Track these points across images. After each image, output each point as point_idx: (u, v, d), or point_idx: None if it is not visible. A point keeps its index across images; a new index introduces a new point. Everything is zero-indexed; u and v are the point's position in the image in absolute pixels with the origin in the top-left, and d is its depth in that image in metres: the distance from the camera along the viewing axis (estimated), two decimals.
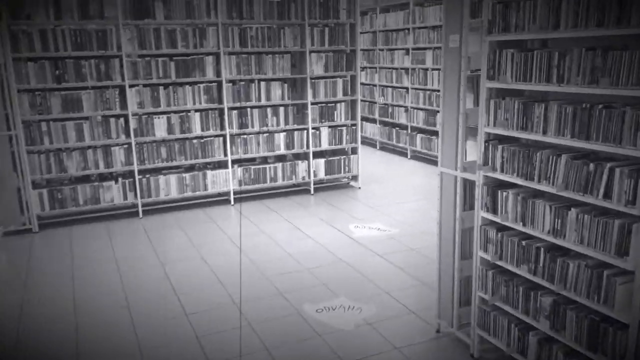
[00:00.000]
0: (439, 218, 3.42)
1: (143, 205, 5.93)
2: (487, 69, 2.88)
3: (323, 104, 6.56)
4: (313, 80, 6.43)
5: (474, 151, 3.19)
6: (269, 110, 6.29)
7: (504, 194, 2.86)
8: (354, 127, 6.80)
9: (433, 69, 7.88)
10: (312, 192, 6.69)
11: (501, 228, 2.93)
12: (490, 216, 2.97)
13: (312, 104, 6.50)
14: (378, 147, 9.55)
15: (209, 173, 6.14)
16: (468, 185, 3.25)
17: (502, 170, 2.88)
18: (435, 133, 8.08)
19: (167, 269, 4.49)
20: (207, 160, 6.11)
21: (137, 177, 5.78)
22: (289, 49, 6.25)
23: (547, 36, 2.53)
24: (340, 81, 6.59)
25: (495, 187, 2.93)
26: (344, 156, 6.83)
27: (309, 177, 6.64)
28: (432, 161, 8.23)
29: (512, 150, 2.79)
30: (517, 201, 2.79)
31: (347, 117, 6.73)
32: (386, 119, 9.19)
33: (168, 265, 4.55)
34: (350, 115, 6.75)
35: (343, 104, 6.67)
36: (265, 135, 6.33)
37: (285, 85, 6.31)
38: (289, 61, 6.28)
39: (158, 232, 5.42)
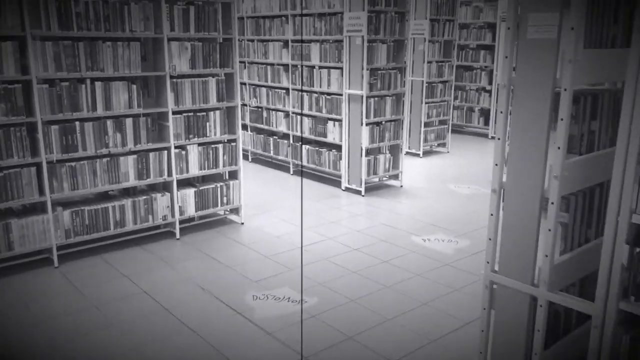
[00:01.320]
0: None
1: None
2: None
3: (190, 113, 4.70)
4: (175, 80, 4.55)
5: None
6: (109, 123, 4.29)
7: None
8: (233, 144, 5.04)
9: (321, 67, 6.39)
10: (177, 235, 4.81)
11: None
12: None
13: (175, 113, 4.61)
14: (250, 159, 7.86)
15: (14, 224, 3.96)
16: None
17: None
18: (326, 145, 6.63)
19: None
20: (10, 204, 3.93)
21: None
22: (138, 35, 4.30)
23: None
24: (212, 81, 4.78)
25: None
26: (221, 183, 5.04)
27: (173, 216, 4.76)
28: (323, 179, 6.77)
29: None
30: None
31: (224, 131, 4.95)
32: (260, 126, 7.52)
33: None
34: (228, 128, 4.98)
35: (218, 112, 4.88)
36: (105, 160, 4.31)
37: (134, 87, 4.35)
38: (138, 52, 4.32)
39: None
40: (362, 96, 5.90)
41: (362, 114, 5.94)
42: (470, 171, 7.29)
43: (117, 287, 3.88)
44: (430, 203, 5.85)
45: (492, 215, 2.10)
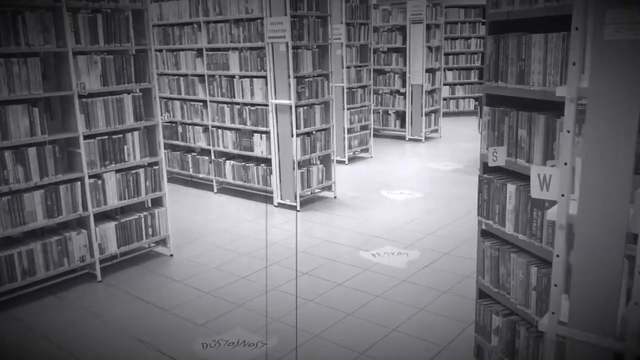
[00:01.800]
0: None
1: None
2: None
3: (105, 137, 4.10)
4: (85, 100, 3.93)
5: None
6: (8, 155, 3.60)
7: None
8: (155, 168, 4.49)
9: (242, 76, 5.96)
10: (99, 277, 4.18)
11: None
12: None
13: (87, 137, 4.00)
14: (166, 179, 7.21)
15: None
16: None
17: None
18: (253, 159, 6.21)
19: None
20: None
21: None
22: (37, 49, 3.65)
23: None
24: (128, 99, 4.21)
25: None
26: (145, 212, 4.47)
27: (92, 256, 4.12)
28: (252, 195, 6.34)
29: None
30: None
31: (144, 153, 4.39)
32: (175, 142, 6.93)
33: None
34: (149, 150, 4.43)
35: (136, 133, 4.31)
36: (5, 199, 3.61)
37: (36, 110, 3.69)
38: (38, 69, 3.67)
39: None
40: (290, 106, 5.56)
41: (291, 125, 5.60)
42: (398, 176, 7.19)
43: (32, 351, 3.22)
44: (368, 213, 5.62)
45: (557, 257, 1.77)
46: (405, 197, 6.17)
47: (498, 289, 2.72)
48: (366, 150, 8.46)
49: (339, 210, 5.76)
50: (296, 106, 5.58)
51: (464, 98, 12.77)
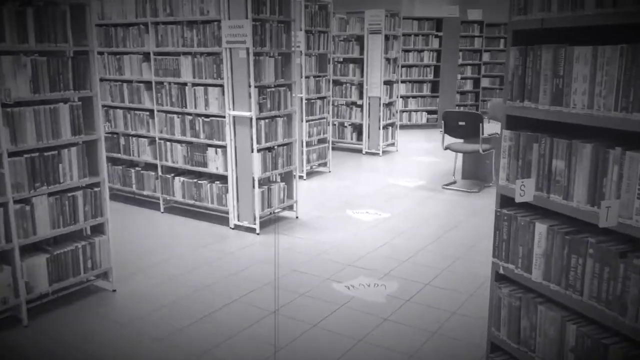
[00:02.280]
0: None
1: None
2: None
3: (35, 154, 3.43)
4: (10, 110, 3.26)
5: None
6: None
7: None
8: (96, 190, 3.84)
9: (195, 84, 5.38)
10: (25, 322, 3.48)
11: None
12: None
13: (12, 154, 3.32)
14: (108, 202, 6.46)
15: None
16: None
17: None
18: (207, 176, 5.61)
19: None
20: None
21: None
22: None
23: None
24: (64, 109, 3.56)
25: None
26: (83, 242, 3.81)
27: (17, 297, 3.43)
28: (205, 216, 5.73)
29: None
30: None
31: (83, 173, 3.74)
32: (116, 155, 6.22)
33: None
34: (89, 168, 3.78)
35: (74, 149, 3.65)
36: None
37: None
38: None
39: None
40: (250, 118, 5.03)
41: (252, 139, 5.06)
42: (361, 193, 6.77)
43: None
44: (336, 236, 5.16)
45: None
46: (372, 218, 5.76)
47: (518, 345, 2.31)
48: (324, 164, 8.02)
49: (304, 233, 5.26)
50: (257, 118, 5.06)
51: (416, 111, 12.61)
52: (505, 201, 2.33)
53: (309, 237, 5.16)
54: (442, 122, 6.90)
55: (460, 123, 6.73)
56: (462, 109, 13.76)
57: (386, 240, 5.07)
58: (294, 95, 5.51)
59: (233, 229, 5.37)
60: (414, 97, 12.54)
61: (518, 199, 2.11)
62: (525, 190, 2.11)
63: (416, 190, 6.94)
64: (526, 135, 2.17)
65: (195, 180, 5.59)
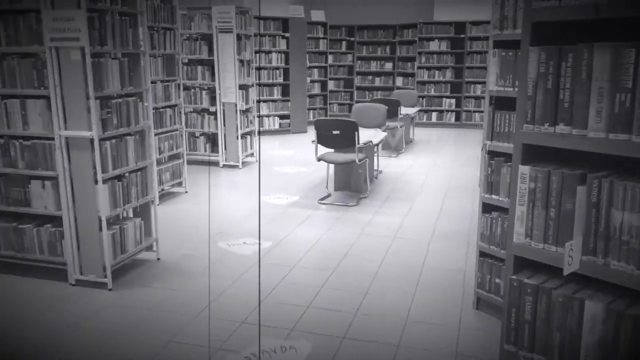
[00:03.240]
0: None
1: None
2: None
3: None
4: None
5: None
6: None
7: None
8: None
9: (7, 96, 3.95)
10: None
11: None
12: None
13: None
14: None
15: None
16: None
17: None
18: (32, 218, 4.20)
19: None
20: None
21: None
22: None
23: None
24: None
25: None
26: None
27: None
28: (33, 271, 4.30)
29: None
30: None
31: None
32: None
33: None
34: None
35: None
36: None
37: None
38: None
39: None
40: (91, 139, 3.80)
41: (94, 166, 3.84)
42: (230, 216, 5.81)
43: None
44: (213, 282, 4.16)
45: None
46: (253, 250, 4.85)
47: None
48: (180, 184, 6.87)
49: (171, 282, 4.17)
50: (101, 139, 3.85)
51: (269, 116, 11.89)
52: (520, 264, 1.64)
53: (179, 286, 4.09)
54: (315, 131, 6.24)
55: (335, 132, 6.12)
56: (312, 112, 13.39)
57: (278, 278, 4.22)
58: (146, 105, 4.38)
59: (74, 285, 4.07)
60: (264, 101, 11.80)
61: (567, 270, 1.43)
62: (573, 257, 1.44)
63: (291, 207, 6.17)
64: (567, 175, 1.49)
65: (14, 224, 4.15)
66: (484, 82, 12.65)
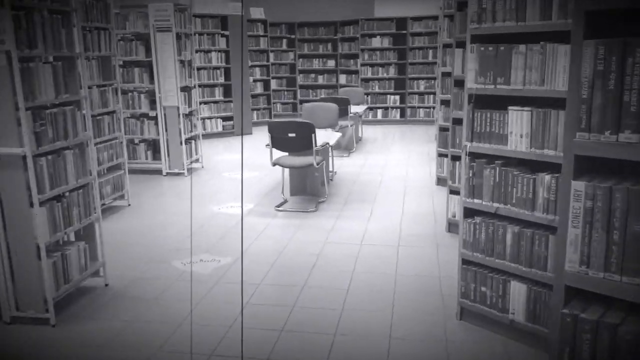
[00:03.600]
0: None
1: None
2: None
3: None
4: None
5: None
6: None
7: None
8: None
9: None
10: None
11: None
12: None
13: None
14: None
15: None
16: None
17: None
18: None
19: None
20: None
21: None
22: None
23: None
24: None
25: None
26: None
27: None
28: None
29: None
30: None
31: None
32: None
33: None
34: None
35: None
36: None
37: None
38: None
39: None
40: (23, 156, 3.30)
41: (28, 187, 3.34)
42: (180, 231, 5.38)
43: None
44: (169, 310, 3.76)
45: None
46: (211, 268, 4.46)
47: None
48: (122, 197, 6.33)
49: (122, 311, 3.73)
50: (35, 156, 3.35)
51: (211, 118, 11.39)
52: (570, 294, 1.41)
53: (133, 316, 3.65)
54: (269, 135, 5.90)
55: (290, 134, 5.81)
56: (256, 113, 12.99)
57: (244, 300, 3.86)
58: (84, 113, 3.90)
59: (9, 324, 3.55)
60: (206, 103, 11.29)
61: None
62: None
63: (247, 217, 5.81)
64: (629, 190, 1.26)
65: None
66: (427, 78, 12.70)
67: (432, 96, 12.69)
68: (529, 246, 3.05)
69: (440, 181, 6.91)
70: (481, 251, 3.29)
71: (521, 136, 3.01)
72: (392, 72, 12.99)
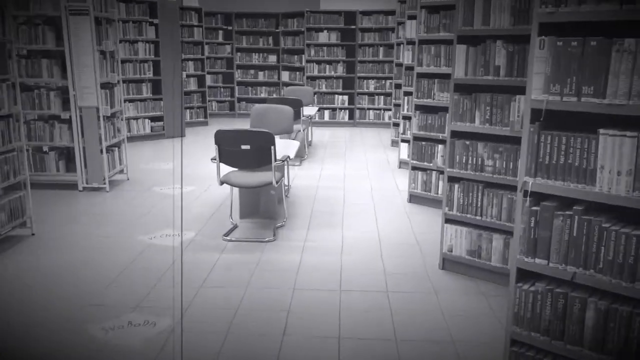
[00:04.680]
0: None
1: None
2: None
3: None
4: None
5: None
6: None
7: None
8: None
9: None
10: None
11: None
12: None
13: None
14: None
15: None
16: None
17: None
18: None
19: None
20: None
21: None
22: None
23: None
24: None
25: None
26: None
27: None
28: None
29: None
30: None
31: None
32: None
33: None
34: None
35: None
36: None
37: None
38: None
39: None
40: None
41: None
42: (100, 275, 4.10)
43: None
44: None
45: None
46: (144, 337, 3.24)
47: None
48: (23, 224, 4.92)
49: None
50: None
51: (137, 118, 9.95)
52: None
53: None
54: (216, 146, 4.71)
55: (244, 146, 4.65)
56: (190, 112, 11.62)
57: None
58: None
59: None
60: (132, 101, 9.84)
61: None
62: None
63: (187, 251, 4.60)
64: None
65: None
66: (377, 78, 11.85)
67: (382, 97, 11.84)
68: (623, 331, 2.11)
69: (414, 198, 6.00)
70: (544, 332, 2.32)
71: (619, 173, 2.06)
72: (340, 70, 12.03)
